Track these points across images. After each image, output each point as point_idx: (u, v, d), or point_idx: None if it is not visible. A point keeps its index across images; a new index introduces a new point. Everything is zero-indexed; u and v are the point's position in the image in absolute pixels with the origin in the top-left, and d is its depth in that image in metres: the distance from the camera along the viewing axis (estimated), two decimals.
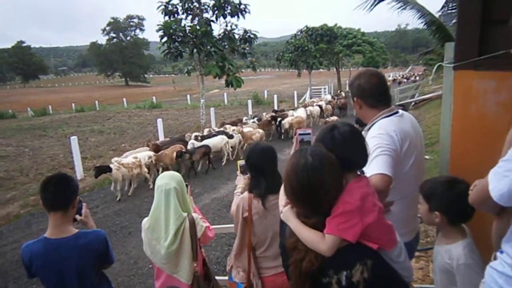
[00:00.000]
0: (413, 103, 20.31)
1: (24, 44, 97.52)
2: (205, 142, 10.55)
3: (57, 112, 35.34)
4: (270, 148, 2.59)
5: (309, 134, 1.91)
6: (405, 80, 41.61)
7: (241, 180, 2.85)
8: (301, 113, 15.68)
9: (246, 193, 2.56)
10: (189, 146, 10.33)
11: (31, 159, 13.48)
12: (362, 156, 1.48)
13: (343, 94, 24.75)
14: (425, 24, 10.46)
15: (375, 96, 2.16)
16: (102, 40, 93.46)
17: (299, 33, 33.50)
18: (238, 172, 2.86)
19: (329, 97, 23.27)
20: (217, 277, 2.97)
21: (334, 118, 15.55)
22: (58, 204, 2.20)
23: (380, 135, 2.01)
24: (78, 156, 9.91)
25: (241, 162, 2.78)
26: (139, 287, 4.84)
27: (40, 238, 2.21)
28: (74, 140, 9.72)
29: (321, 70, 40.79)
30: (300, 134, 1.90)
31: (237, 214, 2.57)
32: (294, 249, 1.42)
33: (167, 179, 2.52)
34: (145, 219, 2.56)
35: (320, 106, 18.29)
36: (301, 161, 1.35)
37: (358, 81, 2.18)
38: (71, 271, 2.22)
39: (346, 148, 1.43)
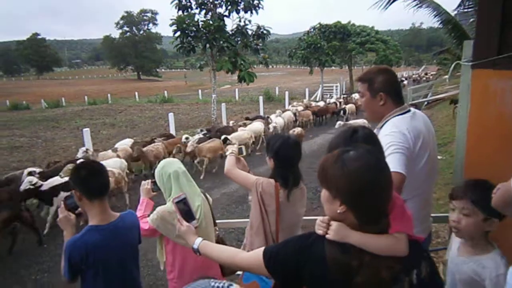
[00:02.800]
0: (426, 103, 20.08)
1: (39, 37, 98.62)
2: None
3: (70, 104, 35.73)
4: (299, 142, 2.62)
5: (184, 198, 1.94)
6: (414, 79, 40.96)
7: (232, 147, 2.89)
8: (254, 127, 12.65)
9: (268, 179, 2.52)
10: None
11: (44, 150, 13.69)
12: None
13: (354, 96, 21.37)
14: (440, 22, 10.34)
15: (399, 93, 2.18)
16: (116, 33, 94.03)
17: (312, 30, 33.35)
18: (235, 147, 2.87)
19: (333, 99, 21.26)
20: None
21: (298, 129, 13.00)
22: (106, 190, 2.23)
23: (393, 133, 2.00)
24: (91, 148, 9.98)
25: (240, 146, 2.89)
26: (149, 279, 4.89)
27: (88, 229, 2.15)
28: (86, 132, 9.80)
29: (333, 67, 40.55)
30: (176, 203, 1.91)
31: (255, 202, 2.53)
32: (360, 267, 1.21)
33: (176, 164, 2.71)
34: (165, 208, 2.58)
35: (295, 113, 15.71)
36: (371, 160, 1.23)
37: (383, 76, 2.15)
38: (129, 253, 2.30)
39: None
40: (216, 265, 2.89)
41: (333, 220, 1.29)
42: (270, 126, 12.87)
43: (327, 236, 1.28)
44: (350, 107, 18.09)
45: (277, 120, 13.87)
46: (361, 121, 12.16)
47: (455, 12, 10.32)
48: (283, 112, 15.42)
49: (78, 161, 7.21)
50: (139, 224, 2.46)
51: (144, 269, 5.02)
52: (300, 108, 17.15)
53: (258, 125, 12.91)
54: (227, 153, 2.80)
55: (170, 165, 2.69)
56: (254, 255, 1.46)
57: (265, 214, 2.49)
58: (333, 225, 1.27)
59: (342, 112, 17.36)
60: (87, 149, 8.73)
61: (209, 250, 1.72)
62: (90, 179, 2.14)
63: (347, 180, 1.20)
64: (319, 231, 1.31)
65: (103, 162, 7.18)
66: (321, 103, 20.03)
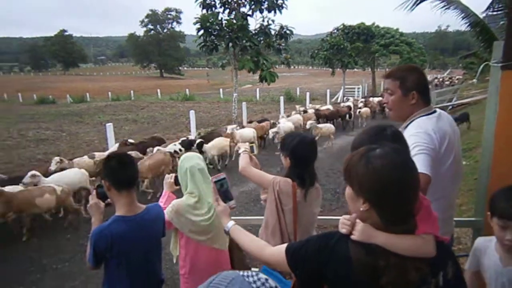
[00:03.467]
0: (450, 107, 19.69)
1: (66, 33, 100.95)
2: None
3: (94, 100, 36.49)
4: (315, 141, 2.61)
5: (223, 178, 1.93)
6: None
7: (244, 144, 2.85)
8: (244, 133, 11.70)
9: (285, 178, 2.47)
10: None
11: (68, 143, 14.02)
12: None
13: (373, 100, 20.70)
14: (468, 25, 10.08)
15: (428, 93, 2.15)
16: (140, 31, 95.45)
17: (335, 31, 33.08)
18: (246, 145, 2.81)
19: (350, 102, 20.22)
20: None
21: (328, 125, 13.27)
22: (134, 181, 2.30)
23: (418, 133, 1.96)
24: (113, 143, 10.17)
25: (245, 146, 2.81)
26: (166, 273, 4.94)
27: (115, 219, 2.19)
28: (109, 127, 9.99)
29: (355, 69, 40.13)
30: (215, 182, 1.92)
31: (271, 201, 2.49)
32: (387, 268, 1.19)
33: (196, 159, 2.74)
34: (183, 200, 2.65)
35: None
36: (398, 158, 1.22)
37: (416, 75, 2.11)
38: (153, 245, 2.35)
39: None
40: (227, 262, 2.91)
41: (359, 219, 1.26)
42: (270, 131, 12.29)
43: (352, 236, 1.25)
44: (364, 111, 17.69)
45: (286, 124, 13.08)
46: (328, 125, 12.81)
47: (484, 14, 10.08)
48: (287, 115, 15.34)
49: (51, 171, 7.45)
50: (163, 217, 2.49)
51: (162, 263, 5.07)
52: (311, 110, 16.82)
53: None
54: (240, 151, 2.75)
55: (189, 160, 2.73)
56: (278, 251, 1.46)
57: (282, 213, 2.45)
58: (359, 225, 1.25)
59: (348, 116, 16.71)
60: (60, 159, 8.01)
61: (239, 235, 1.73)
62: (119, 170, 2.19)
63: (370, 177, 1.18)
64: (343, 230, 1.28)
65: (57, 175, 6.94)
66: (330, 107, 19.21)
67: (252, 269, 3.01)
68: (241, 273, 0.95)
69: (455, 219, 2.43)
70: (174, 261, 2.89)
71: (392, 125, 1.56)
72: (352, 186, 1.26)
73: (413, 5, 9.46)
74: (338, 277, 1.26)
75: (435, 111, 2.13)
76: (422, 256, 1.20)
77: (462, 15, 9.86)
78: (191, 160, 2.74)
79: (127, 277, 2.23)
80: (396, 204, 1.19)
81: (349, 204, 1.31)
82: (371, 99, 21.67)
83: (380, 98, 20.72)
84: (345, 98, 27.79)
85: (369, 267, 1.19)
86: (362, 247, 1.22)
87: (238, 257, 2.92)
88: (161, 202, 2.80)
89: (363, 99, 21.98)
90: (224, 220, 1.83)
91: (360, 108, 18.29)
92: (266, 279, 0.93)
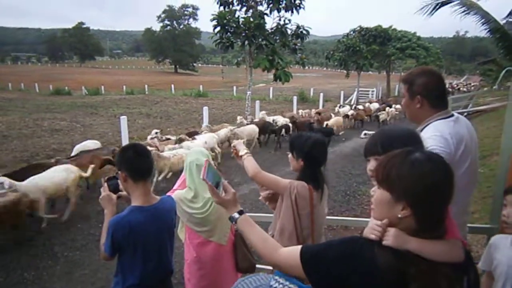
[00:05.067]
0: (465, 114, 19.42)
1: (84, 26, 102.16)
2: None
3: (108, 92, 36.86)
4: (326, 142, 2.60)
5: (209, 166, 1.61)
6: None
7: (242, 145, 2.65)
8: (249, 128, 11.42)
9: (302, 182, 2.39)
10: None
11: (82, 134, 14.18)
12: None
13: (395, 107, 18.60)
14: (488, 31, 9.96)
15: (440, 96, 2.11)
16: (157, 27, 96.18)
17: (351, 32, 32.85)
18: (243, 147, 2.61)
19: (346, 109, 17.54)
20: (258, 266, 3.05)
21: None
22: (150, 172, 2.31)
23: (434, 136, 1.95)
24: (126, 136, 10.25)
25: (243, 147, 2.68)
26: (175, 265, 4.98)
27: (132, 209, 2.22)
28: (123, 119, 10.06)
29: (370, 72, 39.81)
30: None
31: (287, 204, 2.38)
32: (417, 275, 1.16)
33: (197, 155, 2.81)
34: (181, 192, 2.77)
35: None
36: (441, 162, 1.20)
37: (423, 79, 2.09)
38: (165, 235, 2.38)
39: None
40: (229, 257, 2.94)
41: (388, 224, 1.23)
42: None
43: (384, 242, 1.20)
44: (335, 121, 14.57)
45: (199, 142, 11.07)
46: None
47: (504, 21, 9.94)
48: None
49: None
50: (175, 209, 2.54)
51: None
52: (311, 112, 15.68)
53: (253, 127, 11.91)
54: (241, 153, 2.53)
55: (193, 155, 2.83)
56: (291, 254, 1.35)
57: (298, 218, 2.37)
58: (391, 231, 1.21)
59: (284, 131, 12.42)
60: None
61: (248, 229, 1.53)
62: (136, 161, 2.21)
63: (417, 181, 1.14)
64: (372, 236, 1.23)
65: (37, 177, 5.82)
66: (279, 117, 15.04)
67: (257, 265, 3.02)
68: (271, 282, 0.92)
69: (469, 225, 2.41)
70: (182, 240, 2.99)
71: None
72: (391, 190, 1.20)
73: (432, 9, 9.39)
74: (362, 285, 1.19)
75: (452, 115, 2.11)
76: (453, 261, 1.18)
77: (482, 20, 9.75)
78: (194, 155, 2.83)
79: (141, 266, 2.25)
80: (437, 209, 1.17)
81: (380, 209, 1.26)
82: (367, 104, 20.32)
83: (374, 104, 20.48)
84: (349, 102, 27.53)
85: (398, 273, 1.15)
86: (391, 253, 1.18)
87: (243, 253, 2.93)
88: (177, 183, 2.94)
89: (359, 107, 19.37)
90: (232, 209, 1.59)
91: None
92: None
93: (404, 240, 1.19)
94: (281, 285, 0.92)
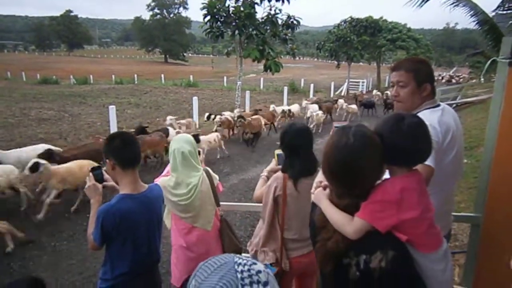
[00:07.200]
0: (454, 105, 19.61)
1: (72, 14, 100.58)
2: None
3: (97, 82, 36.37)
4: (306, 128, 2.58)
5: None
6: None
7: (273, 167, 2.76)
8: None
9: (279, 173, 2.51)
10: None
11: (70, 124, 14.01)
12: (426, 152, 1.41)
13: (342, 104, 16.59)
14: (477, 23, 10.00)
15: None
16: (146, 15, 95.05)
17: (342, 23, 32.75)
18: (274, 160, 2.72)
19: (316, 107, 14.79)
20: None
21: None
22: (138, 160, 2.30)
23: None
24: (115, 126, 10.17)
25: (278, 151, 2.67)
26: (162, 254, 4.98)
27: (121, 197, 2.21)
28: (112, 109, 9.97)
29: (361, 63, 39.85)
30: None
31: (267, 195, 2.52)
32: (323, 228, 1.43)
33: (182, 143, 2.78)
34: (165, 179, 2.76)
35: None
36: (342, 140, 1.31)
37: (427, 67, 2.13)
38: (154, 223, 2.38)
39: (414, 143, 1.37)
40: (216, 243, 2.96)
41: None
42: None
43: (312, 196, 1.57)
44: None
45: None
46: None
47: (493, 13, 9.98)
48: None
49: None
50: (163, 196, 2.55)
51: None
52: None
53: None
54: (261, 175, 2.81)
55: (177, 142, 2.81)
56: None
57: (276, 206, 2.53)
58: (317, 189, 1.54)
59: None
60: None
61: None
62: (124, 149, 2.21)
63: (326, 156, 1.37)
64: (311, 189, 1.60)
65: None
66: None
67: (244, 255, 3.03)
68: (235, 259, 0.92)
69: (454, 213, 2.44)
70: (169, 227, 2.98)
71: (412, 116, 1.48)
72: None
73: (422, 1, 9.39)
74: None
75: (439, 105, 2.14)
76: (344, 234, 1.34)
77: (471, 12, 9.80)
78: (179, 142, 2.81)
79: (131, 254, 2.25)
80: (341, 182, 1.38)
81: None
82: (339, 100, 17.53)
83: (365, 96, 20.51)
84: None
85: (319, 222, 1.46)
86: (319, 208, 1.48)
87: (229, 238, 2.97)
88: (164, 171, 2.96)
89: (334, 100, 17.97)
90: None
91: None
92: (259, 271, 0.91)
93: (319, 199, 1.49)
94: (245, 261, 0.93)
